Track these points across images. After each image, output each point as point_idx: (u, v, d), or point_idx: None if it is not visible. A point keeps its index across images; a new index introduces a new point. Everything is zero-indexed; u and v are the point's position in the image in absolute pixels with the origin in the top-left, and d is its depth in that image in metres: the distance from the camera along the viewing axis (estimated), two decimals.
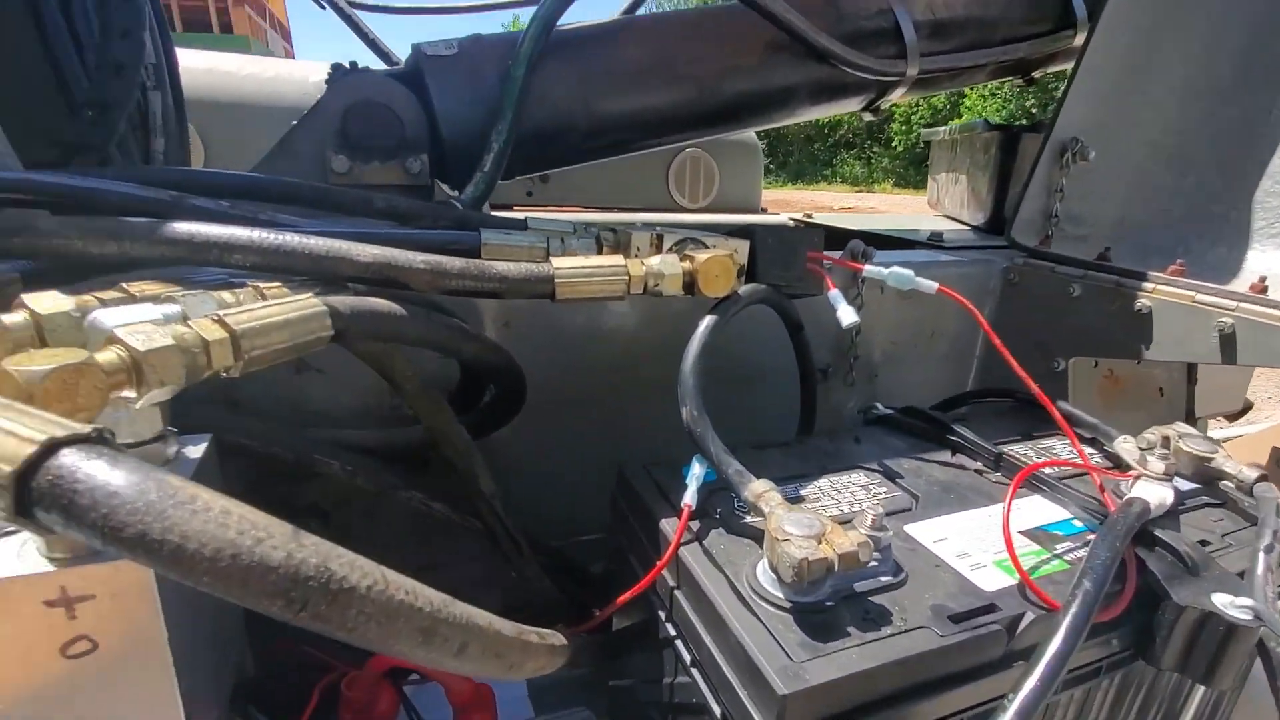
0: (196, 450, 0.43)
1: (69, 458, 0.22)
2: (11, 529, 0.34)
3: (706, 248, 0.66)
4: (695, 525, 0.56)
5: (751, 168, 2.02)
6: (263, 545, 0.23)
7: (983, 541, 0.56)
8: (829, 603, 0.47)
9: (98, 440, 0.24)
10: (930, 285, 0.71)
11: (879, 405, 0.84)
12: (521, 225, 0.72)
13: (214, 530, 0.22)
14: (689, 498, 0.56)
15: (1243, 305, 0.83)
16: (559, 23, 0.95)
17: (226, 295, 0.44)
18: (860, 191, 17.58)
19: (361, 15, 1.48)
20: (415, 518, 0.75)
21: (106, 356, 0.32)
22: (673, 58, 1.06)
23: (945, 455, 0.73)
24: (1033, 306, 1.06)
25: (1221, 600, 0.50)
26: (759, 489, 0.52)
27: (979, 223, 1.47)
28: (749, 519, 0.57)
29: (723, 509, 0.59)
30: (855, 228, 1.51)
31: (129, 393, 0.33)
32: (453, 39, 1.00)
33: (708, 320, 0.64)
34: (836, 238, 0.98)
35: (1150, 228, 1.13)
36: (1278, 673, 0.53)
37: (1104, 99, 1.09)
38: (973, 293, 1.08)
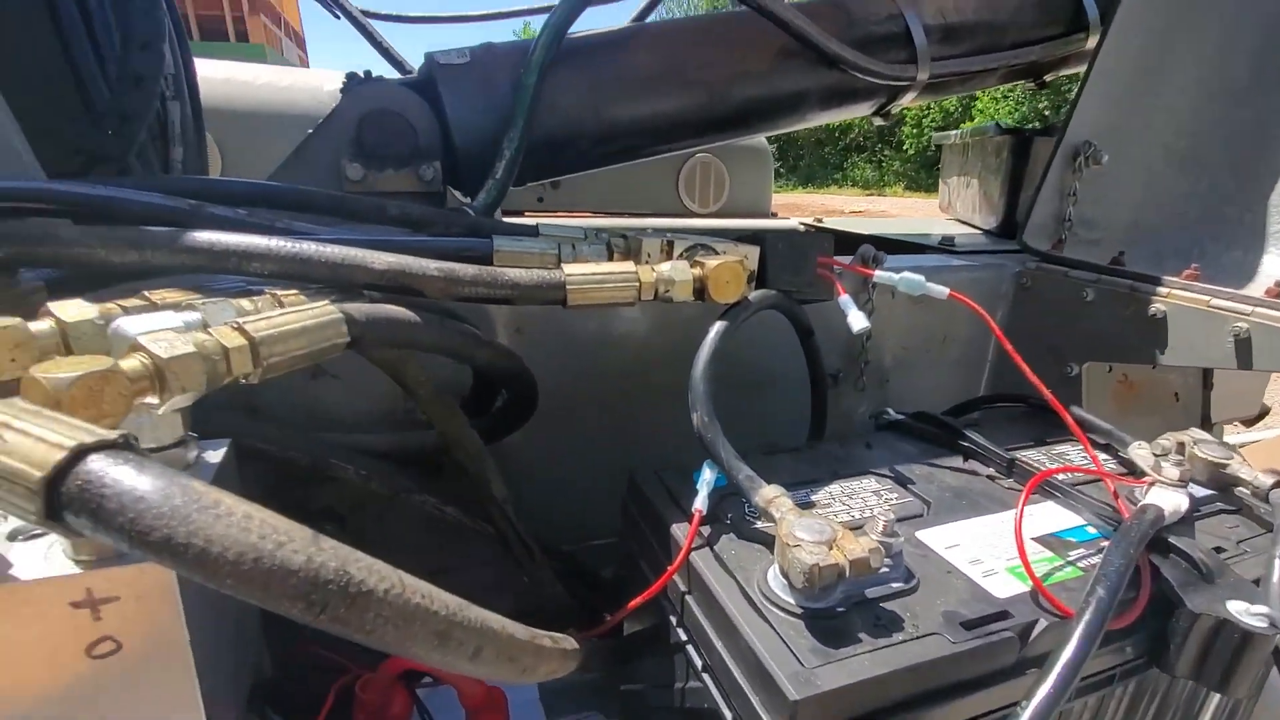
0: (216, 455, 0.44)
1: (97, 463, 0.23)
2: (38, 532, 0.35)
3: (717, 254, 0.66)
4: (706, 530, 0.57)
5: (761, 172, 2.02)
6: (284, 549, 0.23)
7: (995, 548, 0.56)
8: (840, 609, 0.47)
9: (124, 446, 0.24)
10: (941, 291, 0.71)
11: (890, 410, 0.83)
12: (533, 232, 0.73)
13: (237, 534, 0.23)
14: (700, 503, 0.56)
15: (1258, 310, 0.83)
16: (570, 31, 0.96)
17: (245, 303, 0.45)
18: (871, 195, 17.52)
19: (375, 24, 1.50)
20: (428, 522, 0.76)
21: (130, 364, 0.33)
22: (683, 64, 1.06)
23: (957, 461, 0.73)
24: (1046, 311, 1.06)
25: (1236, 608, 0.50)
26: (770, 494, 0.52)
27: (991, 227, 1.46)
28: (760, 524, 0.57)
29: (733, 514, 0.59)
30: (866, 232, 1.51)
31: (152, 399, 0.34)
32: (465, 48, 1.01)
33: (718, 326, 0.65)
34: (847, 242, 0.98)
35: (1164, 231, 1.12)
36: None
37: (1117, 102, 1.09)
38: (985, 297, 1.08)
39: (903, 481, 0.67)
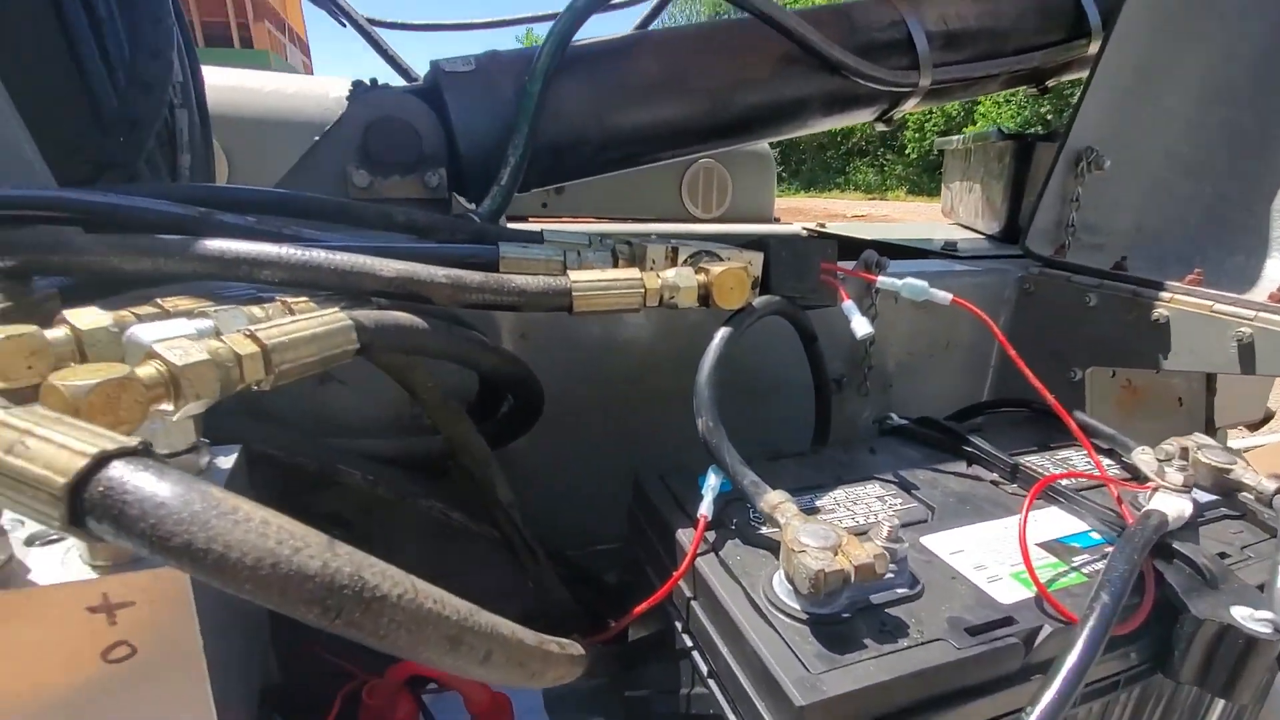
0: (227, 461, 0.44)
1: (118, 470, 0.24)
2: (55, 537, 0.35)
3: (721, 260, 0.67)
4: (711, 536, 0.57)
5: (764, 178, 2.03)
6: (300, 554, 0.24)
7: (999, 553, 0.56)
8: (845, 614, 0.47)
9: (144, 453, 0.25)
10: (944, 296, 0.71)
11: (894, 416, 0.84)
12: (538, 238, 0.73)
13: (255, 540, 0.23)
14: (705, 508, 0.56)
15: (1261, 314, 0.83)
16: (574, 38, 0.97)
17: (256, 310, 0.45)
18: (873, 199, 17.54)
19: (381, 32, 1.51)
20: (434, 526, 0.76)
21: (146, 371, 0.33)
22: (685, 71, 1.07)
23: (961, 466, 0.73)
24: (1049, 316, 1.06)
25: (1241, 613, 0.50)
26: (775, 500, 0.52)
27: (994, 231, 1.47)
28: (765, 530, 0.57)
29: (738, 520, 0.59)
30: (869, 237, 1.51)
31: (166, 406, 0.34)
32: (470, 55, 1.02)
33: (722, 332, 0.65)
34: (850, 248, 0.98)
35: (1167, 236, 1.13)
36: None
37: (1119, 108, 1.09)
38: (988, 302, 1.08)
39: (907, 487, 0.67)
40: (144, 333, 0.38)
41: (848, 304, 0.71)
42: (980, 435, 0.75)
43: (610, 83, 1.04)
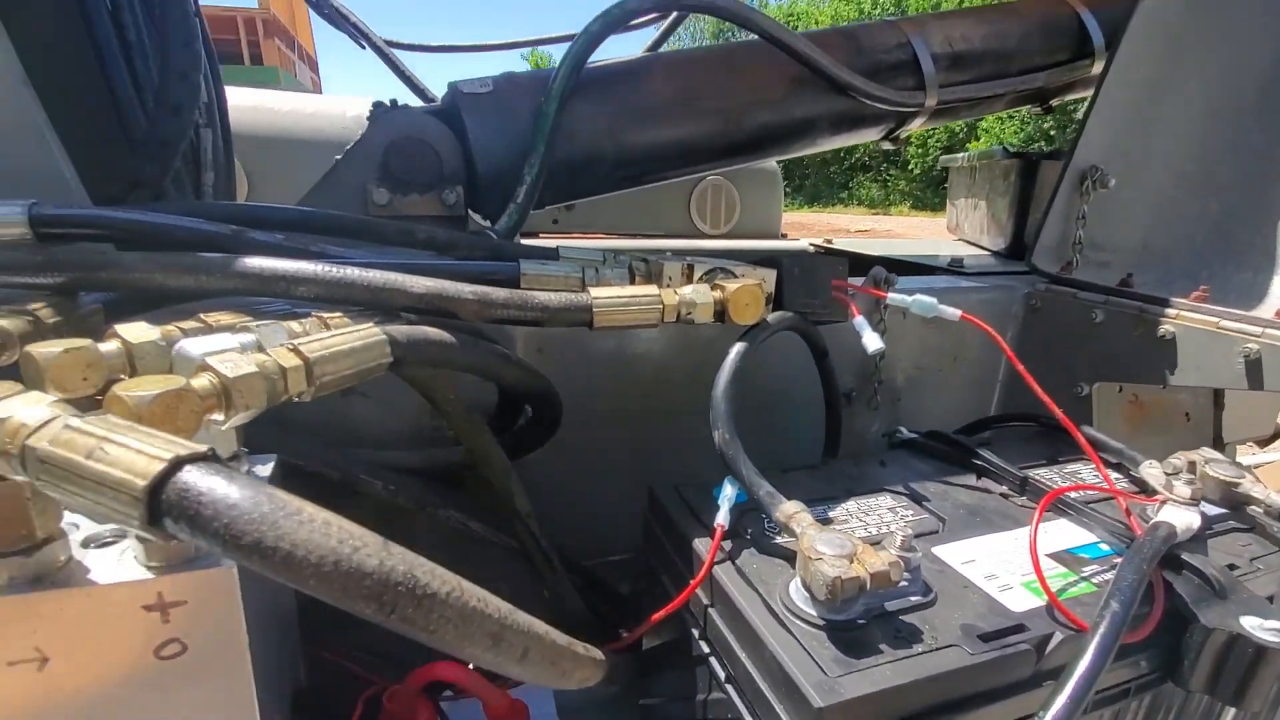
0: (265, 469, 0.46)
1: (191, 474, 0.25)
2: (109, 539, 0.37)
3: (736, 277, 0.69)
4: (727, 545, 0.58)
5: (772, 195, 2.06)
6: (359, 553, 0.25)
7: (1010, 564, 0.57)
8: (861, 621, 0.48)
9: (213, 458, 0.27)
10: (954, 313, 0.73)
11: (903, 429, 0.85)
12: (553, 254, 0.76)
13: (319, 539, 0.25)
14: (722, 518, 0.58)
15: (1269, 331, 0.84)
16: (588, 60, 1.00)
17: (295, 325, 0.47)
18: (877, 214, 17.61)
19: (398, 54, 1.55)
20: (452, 535, 0.77)
21: (200, 382, 0.35)
22: (697, 92, 1.10)
23: (970, 479, 0.74)
24: (1055, 332, 1.07)
25: (1250, 622, 0.51)
26: (790, 510, 0.54)
27: (999, 248, 1.49)
28: (780, 539, 0.59)
29: (754, 530, 0.60)
30: (876, 254, 1.53)
31: (217, 415, 0.36)
32: (487, 77, 1.05)
33: (738, 347, 0.67)
34: (858, 264, 1.00)
35: (1174, 253, 1.14)
36: None
37: (1124, 126, 1.11)
38: (995, 318, 1.10)
39: (917, 499, 0.69)
40: (192, 347, 0.40)
41: (859, 320, 0.73)
42: (989, 449, 0.76)
43: (624, 103, 1.07)
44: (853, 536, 0.49)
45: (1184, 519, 0.59)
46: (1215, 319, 0.89)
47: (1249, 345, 0.85)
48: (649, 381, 0.95)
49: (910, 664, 0.45)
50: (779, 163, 2.09)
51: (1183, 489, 0.63)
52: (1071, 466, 0.77)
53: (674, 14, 1.42)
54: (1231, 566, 0.60)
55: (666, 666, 0.68)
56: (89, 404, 0.36)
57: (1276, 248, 1.04)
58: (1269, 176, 1.04)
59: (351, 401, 0.79)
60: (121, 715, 0.35)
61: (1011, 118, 13.96)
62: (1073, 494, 0.68)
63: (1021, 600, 0.53)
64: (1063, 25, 1.25)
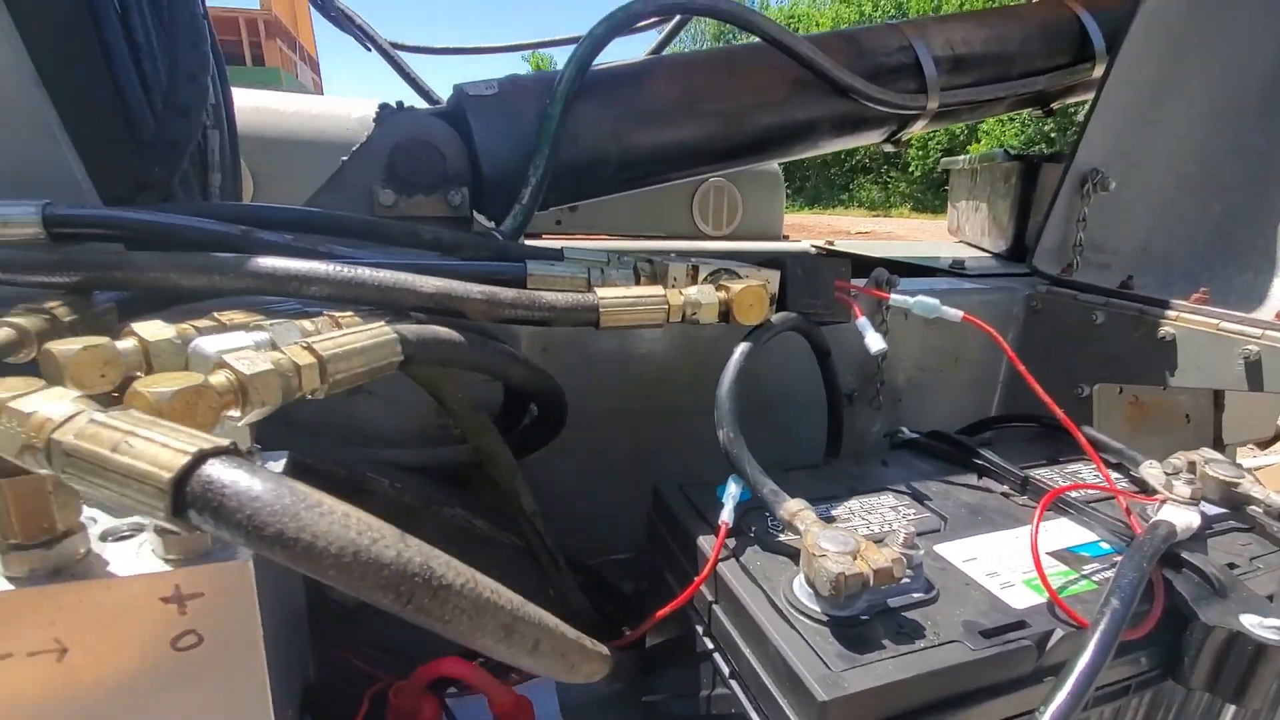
0: (277, 466, 0.47)
1: (214, 467, 0.26)
2: (126, 533, 0.38)
3: (740, 278, 0.69)
4: (731, 543, 0.59)
5: (773, 196, 2.07)
6: (377, 544, 0.26)
7: (1011, 561, 0.58)
8: (864, 617, 0.49)
9: (235, 452, 0.27)
10: (955, 314, 0.74)
11: (905, 430, 0.86)
12: (558, 255, 0.76)
13: (339, 530, 0.26)
14: (726, 515, 0.58)
15: (1269, 333, 0.85)
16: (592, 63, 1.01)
17: (307, 324, 0.48)
18: (877, 216, 17.62)
19: (404, 55, 1.56)
20: (457, 533, 0.78)
21: (218, 379, 0.36)
22: (700, 94, 1.10)
23: (972, 479, 0.75)
24: (1056, 334, 1.08)
25: (1250, 620, 0.51)
26: (794, 508, 0.54)
27: (1000, 250, 1.49)
28: (783, 537, 0.59)
29: (757, 528, 0.61)
30: (877, 255, 1.54)
31: (234, 412, 0.37)
32: (492, 79, 1.06)
33: (742, 347, 0.68)
34: (860, 266, 1.01)
35: (1174, 255, 1.15)
36: None
37: (1125, 129, 1.12)
38: (996, 320, 1.10)
39: (919, 498, 0.69)
40: (208, 344, 0.41)
41: (861, 320, 0.74)
42: (990, 449, 0.77)
43: (627, 106, 1.08)
44: (856, 534, 0.50)
45: (1184, 518, 0.60)
46: (1215, 321, 0.90)
47: (1249, 347, 0.86)
48: (651, 382, 0.96)
49: (913, 659, 0.45)
50: (780, 165, 2.10)
51: (1183, 489, 0.64)
52: (1072, 466, 0.78)
53: (677, 17, 1.43)
54: (1231, 565, 0.60)
55: (670, 664, 0.69)
56: (106, 401, 0.36)
57: (1277, 250, 1.04)
58: (1270, 178, 1.05)
59: (358, 400, 0.80)
60: (138, 705, 0.36)
61: (1012, 120, 13.98)
62: (1073, 493, 0.68)
63: (1022, 597, 0.53)
64: (1063, 28, 1.26)
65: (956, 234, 1.73)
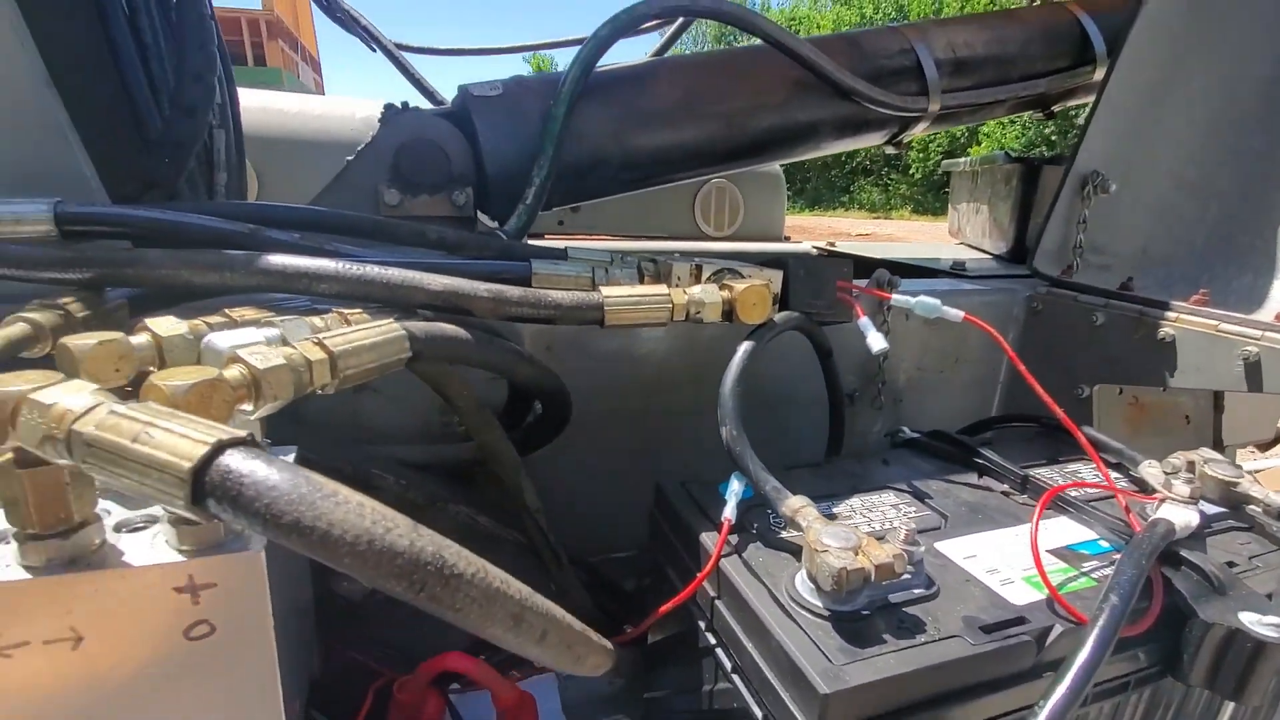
0: (288, 459, 0.47)
1: (232, 457, 0.27)
2: (140, 524, 0.38)
3: (743, 278, 0.70)
4: (734, 539, 0.59)
5: (774, 198, 2.07)
6: (391, 533, 0.27)
7: (1011, 559, 0.59)
8: (865, 612, 0.49)
9: (252, 443, 0.28)
10: (956, 314, 0.74)
11: (905, 429, 0.86)
12: (562, 255, 0.77)
13: (354, 519, 0.26)
14: (729, 512, 0.59)
15: (1268, 334, 0.85)
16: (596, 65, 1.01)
17: (317, 320, 0.49)
18: (878, 218, 17.62)
19: (408, 56, 1.57)
20: (461, 530, 0.79)
21: (232, 373, 0.37)
22: (702, 96, 1.11)
23: (972, 478, 0.75)
24: (1056, 335, 1.09)
25: (1249, 618, 0.52)
26: (796, 504, 0.55)
27: (1001, 252, 1.50)
28: (785, 534, 0.60)
29: (759, 525, 0.62)
30: (878, 256, 1.55)
31: (247, 406, 0.38)
32: (496, 80, 1.07)
33: (745, 346, 0.68)
34: (862, 267, 1.01)
35: (1174, 257, 1.15)
36: None
37: (1125, 132, 1.13)
38: (996, 321, 1.11)
39: (920, 496, 0.70)
40: (220, 340, 0.42)
41: (863, 320, 0.74)
42: (991, 448, 0.77)
43: (631, 107, 1.08)
44: (858, 530, 0.50)
45: (1183, 517, 0.61)
46: (1215, 322, 0.90)
47: (1248, 348, 0.86)
48: (653, 381, 0.96)
49: (913, 653, 0.46)
50: (781, 166, 2.11)
51: (1181, 488, 0.65)
52: (1072, 466, 0.78)
53: (680, 19, 1.44)
54: (1230, 564, 0.61)
55: (671, 660, 0.69)
56: (119, 395, 0.37)
57: (1276, 252, 1.05)
58: (1270, 181, 1.05)
59: (364, 398, 0.80)
60: (152, 693, 0.36)
61: (1013, 123, 13.99)
62: (1073, 492, 0.69)
63: (1022, 594, 0.54)
64: (1064, 32, 1.26)
65: (957, 236, 1.73)
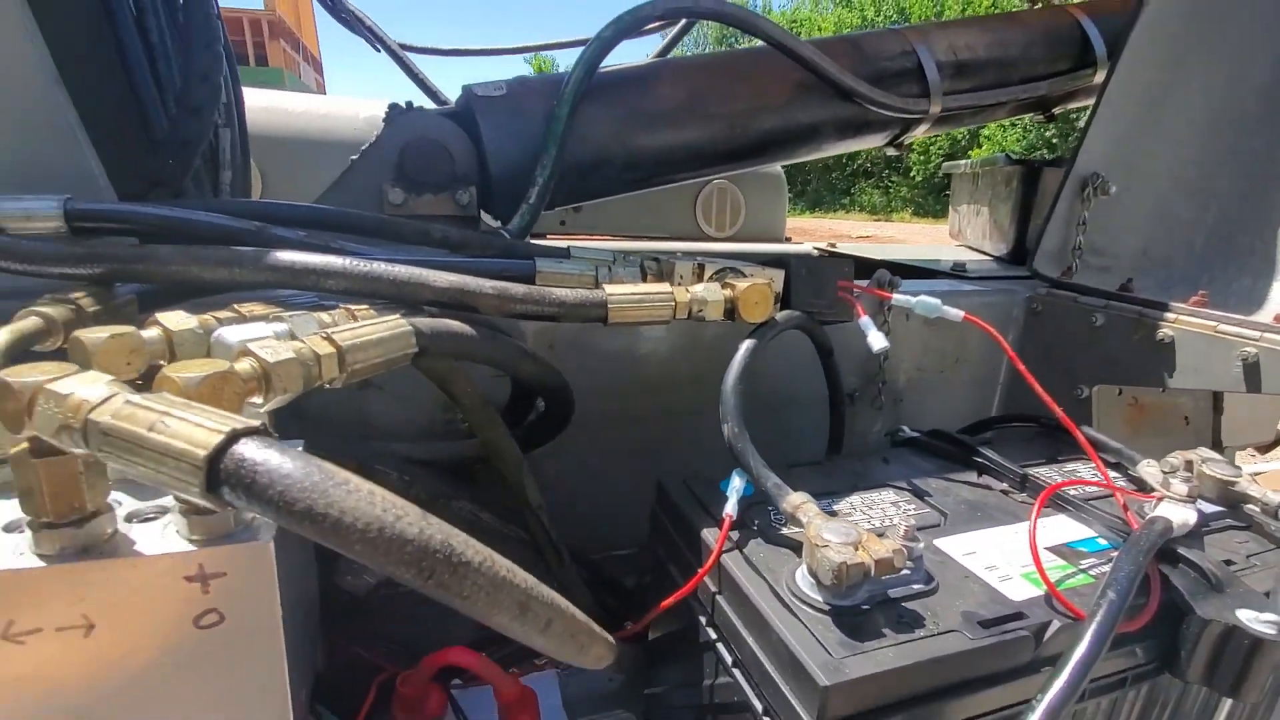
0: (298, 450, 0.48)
1: (247, 446, 0.27)
2: (151, 515, 0.39)
3: (745, 276, 0.70)
4: (735, 535, 0.60)
5: (776, 199, 2.08)
6: (401, 521, 0.27)
7: (1010, 556, 0.59)
8: (865, 606, 0.50)
9: (265, 432, 0.29)
10: (957, 314, 0.75)
11: (905, 429, 0.87)
12: (565, 254, 0.78)
13: (365, 507, 0.27)
14: (730, 508, 0.59)
15: (1267, 335, 0.86)
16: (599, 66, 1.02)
17: (324, 316, 0.49)
18: (879, 220, 17.62)
19: (412, 56, 1.58)
20: (463, 526, 0.79)
21: (243, 366, 0.37)
22: (705, 97, 1.12)
23: (972, 476, 0.76)
24: (1056, 335, 1.09)
25: (1246, 615, 0.52)
26: (797, 501, 0.55)
27: (1001, 253, 1.50)
28: (786, 530, 0.60)
29: (760, 521, 0.62)
30: (879, 257, 1.55)
31: (257, 398, 0.38)
32: (500, 80, 1.07)
33: (747, 344, 0.69)
34: (863, 267, 1.02)
35: (1174, 258, 1.16)
36: None
37: (1125, 135, 1.13)
38: (996, 322, 1.11)
39: (920, 494, 0.70)
40: (230, 334, 0.42)
41: (864, 319, 0.75)
42: (990, 448, 0.78)
43: (633, 107, 1.09)
44: (858, 526, 0.51)
45: (1180, 515, 0.61)
46: (1214, 323, 0.91)
47: (1247, 349, 0.87)
48: (654, 382, 0.97)
49: (912, 647, 0.46)
50: (782, 168, 2.11)
51: (1179, 487, 0.65)
52: (1071, 465, 0.79)
53: (683, 21, 1.44)
54: (1228, 562, 0.61)
55: (671, 657, 0.70)
56: (131, 388, 0.38)
57: (1276, 253, 1.05)
58: (1269, 183, 1.06)
59: (368, 395, 0.81)
60: (162, 680, 0.37)
61: (1014, 125, 14.00)
62: (1072, 491, 0.69)
63: (1021, 590, 0.54)
64: (1065, 35, 1.27)
65: (958, 237, 1.74)
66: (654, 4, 1.00)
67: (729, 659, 0.55)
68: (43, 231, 0.55)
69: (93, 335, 0.39)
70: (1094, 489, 0.71)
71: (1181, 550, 0.58)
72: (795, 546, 0.58)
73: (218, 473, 0.27)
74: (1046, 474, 0.75)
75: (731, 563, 0.57)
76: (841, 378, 0.88)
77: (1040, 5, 1.45)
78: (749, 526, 0.61)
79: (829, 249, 1.85)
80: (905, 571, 0.51)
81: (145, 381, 0.38)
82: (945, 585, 0.54)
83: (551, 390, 0.71)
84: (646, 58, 1.48)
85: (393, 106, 1.05)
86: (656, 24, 1.44)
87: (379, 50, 1.49)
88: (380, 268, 0.53)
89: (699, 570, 0.59)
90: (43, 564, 0.34)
